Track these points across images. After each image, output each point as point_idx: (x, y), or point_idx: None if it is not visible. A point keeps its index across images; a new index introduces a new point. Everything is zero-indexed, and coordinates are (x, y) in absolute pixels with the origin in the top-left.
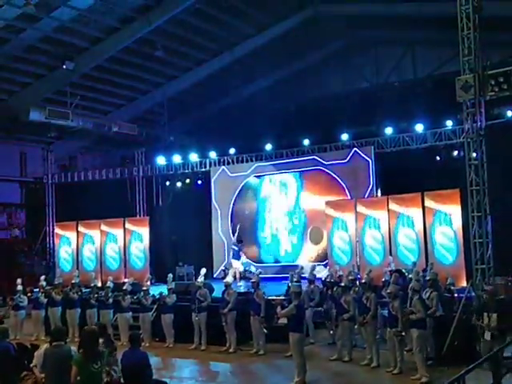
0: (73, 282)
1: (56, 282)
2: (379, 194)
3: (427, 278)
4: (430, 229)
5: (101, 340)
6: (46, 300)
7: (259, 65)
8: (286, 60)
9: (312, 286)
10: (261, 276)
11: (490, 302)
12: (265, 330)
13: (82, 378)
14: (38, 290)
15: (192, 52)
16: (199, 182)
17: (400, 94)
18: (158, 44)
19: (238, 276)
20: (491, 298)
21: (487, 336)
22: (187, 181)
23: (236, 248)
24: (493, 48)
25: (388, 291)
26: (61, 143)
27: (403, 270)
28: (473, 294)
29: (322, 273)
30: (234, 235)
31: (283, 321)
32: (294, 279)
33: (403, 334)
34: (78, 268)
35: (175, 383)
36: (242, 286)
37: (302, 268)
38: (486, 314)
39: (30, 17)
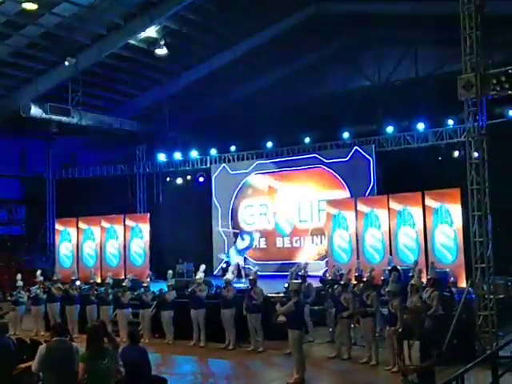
0: (72, 278)
1: (55, 278)
2: (380, 192)
3: (428, 276)
4: (431, 228)
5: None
6: (45, 296)
7: (260, 62)
8: (288, 58)
9: (306, 284)
10: (259, 273)
11: (412, 324)
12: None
13: (91, 374)
14: (36, 286)
15: (193, 49)
16: (200, 179)
17: (401, 92)
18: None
19: (235, 272)
20: (415, 319)
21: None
22: (188, 178)
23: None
24: (495, 47)
25: (387, 289)
26: (61, 139)
27: (399, 267)
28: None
29: (320, 271)
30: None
31: (282, 318)
32: (293, 277)
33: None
34: (77, 264)
35: (174, 379)
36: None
37: (307, 265)
38: (406, 341)
39: (31, 12)
